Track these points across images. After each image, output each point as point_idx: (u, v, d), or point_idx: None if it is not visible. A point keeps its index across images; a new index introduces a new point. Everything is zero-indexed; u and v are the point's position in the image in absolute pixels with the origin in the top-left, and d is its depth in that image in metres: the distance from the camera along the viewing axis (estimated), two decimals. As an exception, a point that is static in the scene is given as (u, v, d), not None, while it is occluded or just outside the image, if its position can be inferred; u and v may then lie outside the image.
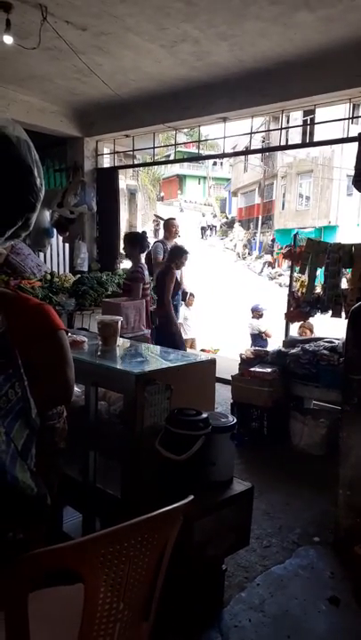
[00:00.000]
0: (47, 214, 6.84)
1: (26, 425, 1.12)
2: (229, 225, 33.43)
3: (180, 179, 39.67)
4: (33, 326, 1.44)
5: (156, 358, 2.74)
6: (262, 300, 8.42)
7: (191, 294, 8.73)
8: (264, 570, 2.63)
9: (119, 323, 2.74)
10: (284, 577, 2.59)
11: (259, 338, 7.68)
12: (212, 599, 2.34)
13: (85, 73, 5.05)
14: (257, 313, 8.21)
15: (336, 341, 4.36)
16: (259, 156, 26.83)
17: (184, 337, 8.56)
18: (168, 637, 2.07)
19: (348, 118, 4.94)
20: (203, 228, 31.86)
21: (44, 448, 1.93)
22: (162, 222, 6.70)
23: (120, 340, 2.87)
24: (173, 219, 6.93)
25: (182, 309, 8.60)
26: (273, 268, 23.09)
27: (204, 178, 38.67)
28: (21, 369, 1.15)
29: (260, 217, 28.71)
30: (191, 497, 1.28)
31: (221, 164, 39.21)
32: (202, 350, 8.42)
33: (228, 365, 5.24)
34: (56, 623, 1.33)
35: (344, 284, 4.67)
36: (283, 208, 25.50)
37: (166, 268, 5.46)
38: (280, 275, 20.68)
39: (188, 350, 7.69)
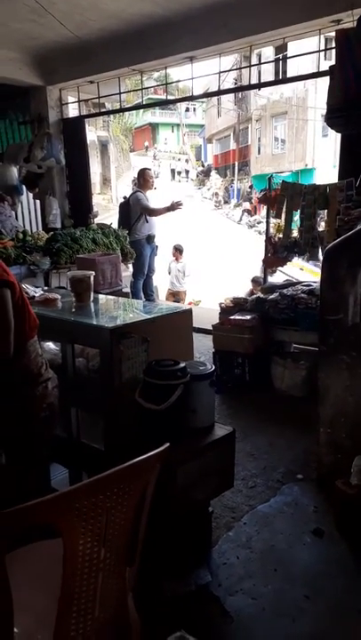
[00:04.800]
0: (14, 170, 6.56)
1: None
2: (206, 173, 32.69)
3: (153, 127, 38.39)
4: None
5: (131, 311, 2.71)
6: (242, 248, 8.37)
7: (177, 249, 8.62)
8: (250, 509, 2.72)
9: (91, 277, 2.67)
10: (270, 514, 2.67)
11: None
12: (201, 540, 2.41)
13: (40, 13, 4.71)
14: (257, 285, 8.16)
15: (314, 284, 4.36)
16: (232, 99, 25.99)
17: (176, 290, 8.53)
18: (160, 580, 2.14)
19: (319, 51, 4.75)
20: (172, 171, 31.87)
21: (22, 416, 1.90)
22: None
23: (96, 296, 2.82)
24: (148, 169, 6.72)
25: (173, 264, 8.54)
26: (252, 215, 22.79)
27: (178, 125, 37.40)
28: None
29: (237, 163, 28.11)
30: (167, 445, 1.28)
31: (194, 109, 37.96)
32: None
33: (210, 316, 5.23)
34: (39, 579, 1.34)
35: (323, 227, 4.63)
36: (259, 153, 24.98)
37: None
38: (259, 222, 20.42)
39: (177, 304, 7.66)
